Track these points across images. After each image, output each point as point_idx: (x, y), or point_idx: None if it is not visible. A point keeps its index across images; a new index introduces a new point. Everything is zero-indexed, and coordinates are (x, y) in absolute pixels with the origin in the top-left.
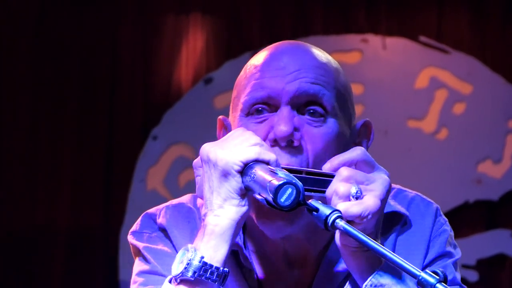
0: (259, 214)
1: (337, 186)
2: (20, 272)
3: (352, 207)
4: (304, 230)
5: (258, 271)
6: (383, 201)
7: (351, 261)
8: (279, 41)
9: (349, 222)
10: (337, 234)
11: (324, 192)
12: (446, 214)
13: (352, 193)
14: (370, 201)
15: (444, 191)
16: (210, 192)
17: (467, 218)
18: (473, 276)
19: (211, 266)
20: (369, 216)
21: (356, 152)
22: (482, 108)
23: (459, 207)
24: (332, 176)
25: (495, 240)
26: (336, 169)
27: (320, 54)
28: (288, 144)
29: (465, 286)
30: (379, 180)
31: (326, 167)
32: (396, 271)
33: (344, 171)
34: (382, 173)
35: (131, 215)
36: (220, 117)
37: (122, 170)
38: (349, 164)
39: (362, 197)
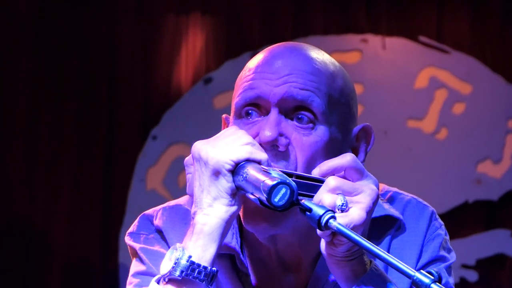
0: (245, 216)
1: (323, 197)
2: (20, 267)
3: (336, 220)
4: (295, 233)
5: (255, 275)
6: (369, 213)
7: (336, 270)
8: (279, 41)
9: (334, 233)
10: (322, 244)
11: (312, 197)
12: (446, 214)
13: (338, 205)
14: (355, 214)
15: (444, 191)
16: (201, 190)
17: (467, 218)
18: (473, 276)
19: (199, 265)
20: (354, 229)
21: (346, 158)
22: (482, 108)
23: (459, 207)
24: (322, 182)
25: (495, 240)
26: (325, 174)
27: (316, 58)
28: (274, 148)
29: None
30: (367, 191)
31: (315, 172)
32: (380, 280)
33: (332, 181)
34: (371, 182)
35: (131, 215)
36: (223, 115)
37: (122, 170)
38: (338, 170)
39: (348, 210)
